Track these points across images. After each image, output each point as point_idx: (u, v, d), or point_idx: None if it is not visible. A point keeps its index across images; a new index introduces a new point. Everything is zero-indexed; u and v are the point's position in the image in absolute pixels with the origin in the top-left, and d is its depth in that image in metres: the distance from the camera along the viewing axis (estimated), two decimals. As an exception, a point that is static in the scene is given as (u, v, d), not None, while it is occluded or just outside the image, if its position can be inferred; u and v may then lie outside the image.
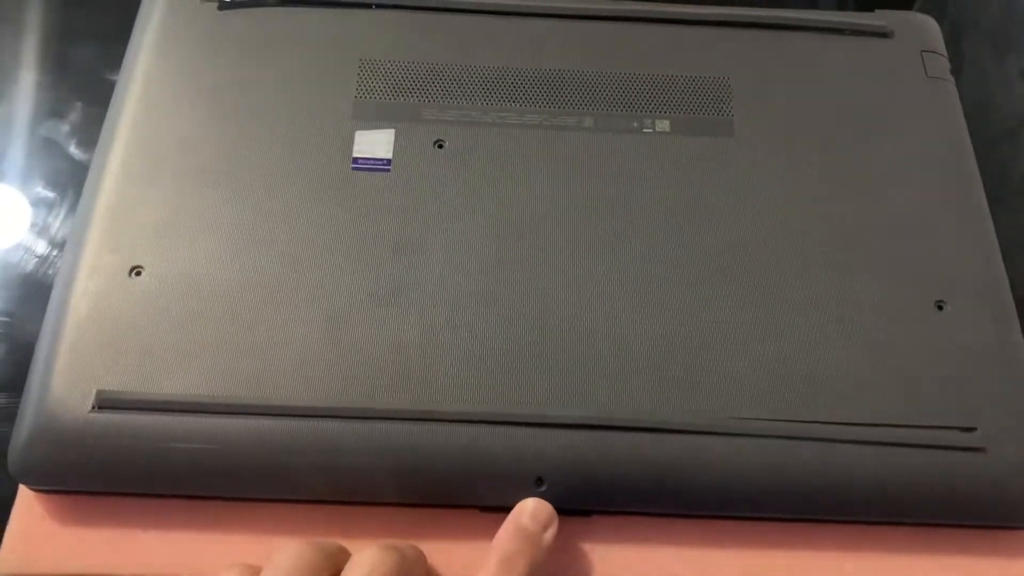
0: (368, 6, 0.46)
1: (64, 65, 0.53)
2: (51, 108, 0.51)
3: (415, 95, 0.43)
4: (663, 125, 0.43)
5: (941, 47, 0.47)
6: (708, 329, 0.38)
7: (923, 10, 0.50)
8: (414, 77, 0.44)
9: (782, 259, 0.40)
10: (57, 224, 0.48)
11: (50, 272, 0.47)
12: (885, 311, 0.39)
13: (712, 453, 0.36)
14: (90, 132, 0.49)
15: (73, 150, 0.50)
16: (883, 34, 0.47)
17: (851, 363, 0.38)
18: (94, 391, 0.35)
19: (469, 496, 0.36)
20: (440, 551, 0.36)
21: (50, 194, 0.49)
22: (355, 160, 0.41)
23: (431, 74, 0.44)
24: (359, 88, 0.43)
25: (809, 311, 0.39)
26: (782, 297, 0.39)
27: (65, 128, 0.51)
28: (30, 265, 0.47)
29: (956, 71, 0.47)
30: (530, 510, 0.34)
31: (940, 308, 0.39)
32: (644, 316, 0.38)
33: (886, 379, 0.37)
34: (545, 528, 0.34)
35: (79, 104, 0.51)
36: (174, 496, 0.36)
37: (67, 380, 0.36)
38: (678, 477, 0.36)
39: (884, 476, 0.36)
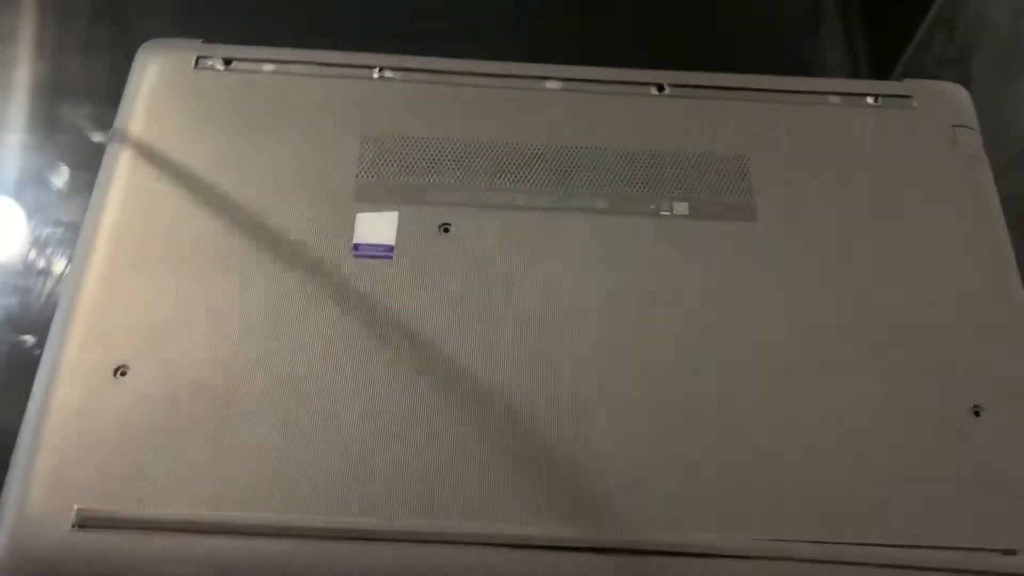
0: (372, 69, 0.43)
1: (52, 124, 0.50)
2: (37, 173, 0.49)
3: (420, 174, 0.41)
4: (681, 208, 0.41)
5: (973, 120, 0.45)
6: (726, 438, 0.36)
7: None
8: (419, 153, 0.41)
9: (806, 359, 0.38)
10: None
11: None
12: (916, 416, 0.37)
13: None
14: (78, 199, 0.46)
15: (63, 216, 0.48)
16: (912, 107, 0.44)
17: (878, 476, 0.35)
18: (75, 508, 0.33)
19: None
20: None
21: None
22: (356, 247, 0.39)
23: (437, 150, 0.41)
24: (361, 165, 0.41)
25: (834, 416, 0.36)
26: (805, 401, 0.37)
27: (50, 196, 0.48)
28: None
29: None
30: None
31: (977, 414, 0.37)
32: (658, 423, 0.36)
33: (917, 494, 0.35)
34: None
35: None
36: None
37: (46, 495, 0.33)
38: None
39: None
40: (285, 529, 0.33)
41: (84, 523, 0.33)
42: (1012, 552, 0.34)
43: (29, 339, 0.45)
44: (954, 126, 0.44)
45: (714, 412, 0.36)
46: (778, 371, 0.37)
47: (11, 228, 0.47)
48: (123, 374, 0.36)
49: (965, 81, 0.47)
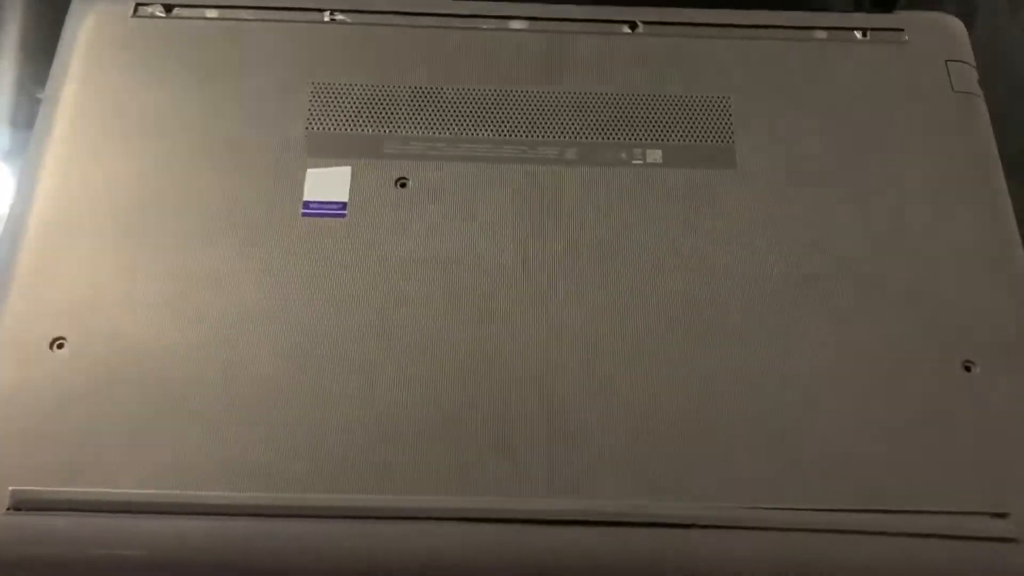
0: (322, 12, 0.40)
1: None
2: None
3: (375, 124, 0.38)
4: (655, 155, 0.38)
5: (969, 55, 0.42)
6: (704, 400, 0.33)
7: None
8: (374, 103, 0.39)
9: (789, 312, 0.35)
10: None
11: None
12: (904, 373, 0.34)
13: (716, 547, 0.32)
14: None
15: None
16: (903, 40, 0.41)
17: (866, 438, 0.33)
18: (9, 490, 0.31)
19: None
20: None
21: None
22: (306, 204, 0.36)
23: (393, 99, 0.39)
24: (311, 116, 0.38)
25: (818, 374, 0.34)
26: (788, 358, 0.34)
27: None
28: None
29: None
30: None
31: (968, 369, 0.35)
32: (631, 382, 0.34)
33: (906, 456, 0.33)
34: None
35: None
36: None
37: (-23, 478, 0.31)
38: (676, 572, 0.31)
39: (905, 569, 0.32)
40: (226, 508, 0.31)
41: (19, 505, 0.31)
42: (1003, 516, 0.32)
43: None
44: (948, 61, 0.41)
45: (694, 370, 0.34)
46: (760, 327, 0.35)
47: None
48: (60, 347, 0.34)
49: (970, 11, 0.44)
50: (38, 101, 0.40)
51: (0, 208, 0.38)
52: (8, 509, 0.31)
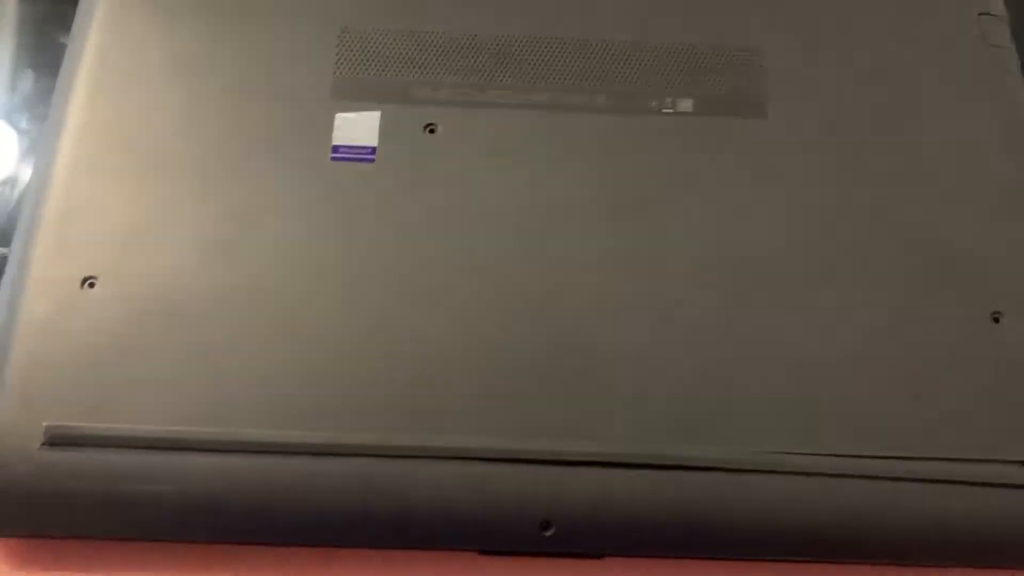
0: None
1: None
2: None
3: (404, 70, 0.38)
4: (685, 105, 0.38)
5: (1001, 8, 0.41)
6: (735, 348, 0.34)
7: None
8: (402, 49, 0.38)
9: (819, 263, 0.35)
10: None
11: None
12: (933, 323, 0.34)
13: (740, 491, 0.32)
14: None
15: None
16: (936, -8, 0.41)
17: (894, 386, 0.33)
18: (44, 425, 0.31)
19: (467, 538, 0.32)
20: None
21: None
22: (335, 148, 0.36)
23: (422, 45, 0.38)
24: (340, 61, 0.38)
25: (848, 324, 0.34)
26: (818, 308, 0.34)
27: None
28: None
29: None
30: None
31: (996, 320, 0.35)
32: (663, 331, 0.34)
33: (933, 405, 0.33)
34: None
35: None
36: (135, 540, 0.32)
37: (13, 413, 0.31)
38: (703, 517, 0.32)
39: (928, 516, 0.32)
40: (259, 445, 0.31)
41: (53, 440, 0.31)
42: (1031, 463, 0.32)
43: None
44: (980, 14, 0.41)
45: (720, 320, 0.34)
46: (788, 277, 0.35)
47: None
48: (91, 285, 0.34)
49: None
50: (62, 45, 0.39)
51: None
52: (42, 444, 0.31)
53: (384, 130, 0.37)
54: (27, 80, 0.46)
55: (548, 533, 0.31)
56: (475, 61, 0.38)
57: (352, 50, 0.38)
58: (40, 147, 0.36)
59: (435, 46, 0.38)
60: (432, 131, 0.37)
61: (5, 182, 0.43)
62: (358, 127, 0.37)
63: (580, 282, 0.34)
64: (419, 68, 0.38)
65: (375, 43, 0.38)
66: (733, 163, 0.37)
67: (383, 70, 0.38)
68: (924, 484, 0.32)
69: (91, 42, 0.38)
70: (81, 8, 0.39)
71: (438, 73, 0.38)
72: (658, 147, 0.37)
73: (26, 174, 0.42)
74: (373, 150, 0.36)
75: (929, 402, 0.33)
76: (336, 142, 0.36)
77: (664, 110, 0.38)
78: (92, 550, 0.32)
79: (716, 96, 0.38)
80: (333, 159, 0.36)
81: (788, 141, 0.37)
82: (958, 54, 0.40)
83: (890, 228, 0.36)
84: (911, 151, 0.37)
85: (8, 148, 0.44)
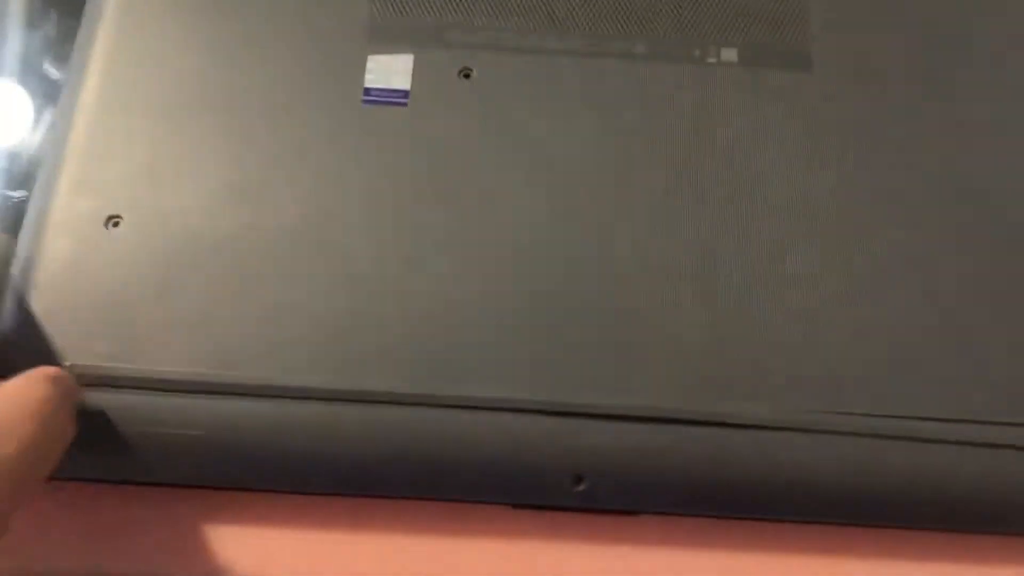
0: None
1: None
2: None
3: (439, 13, 0.37)
4: (729, 55, 0.37)
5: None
6: (778, 304, 0.32)
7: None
8: (438, -9, 0.37)
9: (865, 220, 0.34)
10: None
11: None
12: (984, 284, 0.33)
13: (780, 451, 0.31)
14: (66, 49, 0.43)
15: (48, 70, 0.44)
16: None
17: (942, 346, 0.32)
18: (66, 365, 0.30)
19: (498, 492, 0.31)
20: (466, 549, 0.32)
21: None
22: (367, 91, 0.35)
23: (457, -13, 0.37)
24: (374, 3, 0.37)
25: (894, 283, 0.33)
26: (863, 266, 0.33)
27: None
28: None
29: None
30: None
31: (1048, 282, 0.33)
32: (704, 285, 0.33)
33: (982, 367, 0.32)
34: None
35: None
36: (158, 484, 0.31)
37: (35, 353, 0.31)
38: (741, 476, 0.31)
39: (972, 480, 0.31)
40: (286, 390, 0.30)
41: (77, 381, 0.30)
42: (1083, 429, 0.31)
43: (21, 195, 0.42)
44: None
45: (761, 274, 0.33)
46: (830, 234, 0.34)
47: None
48: (116, 224, 0.33)
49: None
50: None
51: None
52: (66, 385, 0.30)
53: (418, 74, 0.35)
54: (50, 23, 0.45)
55: (580, 488, 0.30)
56: (513, 4, 0.37)
57: (385, -8, 0.37)
58: (65, 85, 0.35)
59: (471, -12, 0.37)
60: (467, 76, 0.36)
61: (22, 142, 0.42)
62: (391, 70, 0.35)
63: (617, 234, 0.33)
64: (455, 11, 0.37)
65: (409, -16, 0.37)
66: (777, 116, 0.36)
67: (418, 12, 0.37)
68: (968, 448, 0.31)
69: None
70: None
71: (474, 16, 0.37)
72: (699, 98, 0.36)
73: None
74: (406, 94, 0.35)
75: (978, 364, 0.32)
76: (368, 85, 0.35)
77: (708, 60, 0.36)
78: (117, 495, 0.32)
79: (761, 46, 0.37)
80: (365, 103, 0.35)
81: (834, 94, 0.36)
82: (1012, 3, 0.38)
83: (938, 186, 0.35)
84: (965, 106, 0.36)
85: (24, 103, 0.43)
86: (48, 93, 0.43)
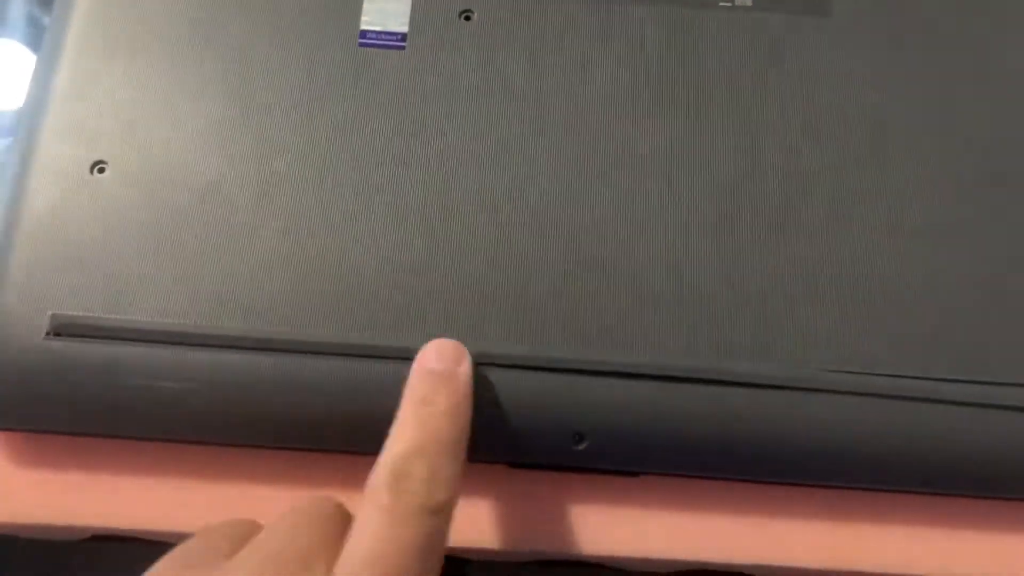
0: None
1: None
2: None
3: (438, -48, 0.35)
4: (744, -2, 0.35)
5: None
6: (790, 259, 0.31)
7: None
8: (437, -72, 0.35)
9: (885, 172, 0.32)
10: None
11: None
12: (996, 244, 0.32)
13: (787, 411, 0.30)
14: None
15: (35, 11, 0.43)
16: None
17: (962, 307, 0.31)
18: (49, 314, 0.29)
19: (496, 450, 0.30)
20: (463, 508, 0.30)
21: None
22: (363, 34, 0.34)
23: (458, -75, 0.35)
24: (370, -58, 0.35)
25: (912, 238, 0.31)
26: (880, 220, 0.32)
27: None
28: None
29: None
30: (434, 352, 0.28)
31: (1075, 240, 0.32)
32: (712, 238, 0.31)
33: (1000, 328, 0.30)
34: (457, 364, 0.28)
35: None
36: (141, 439, 0.30)
37: (17, 301, 0.30)
38: (746, 436, 0.30)
39: (983, 444, 0.30)
40: (271, 342, 0.29)
41: (59, 330, 0.29)
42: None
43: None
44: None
45: (769, 231, 0.31)
46: (843, 189, 0.32)
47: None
48: (101, 171, 0.32)
49: None
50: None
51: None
52: (47, 334, 0.29)
53: (416, 15, 0.34)
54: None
55: (580, 447, 0.29)
56: (517, -58, 0.35)
57: (383, -71, 0.35)
58: (48, 28, 0.34)
59: (473, -75, 0.35)
60: (468, 18, 0.34)
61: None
62: (388, 11, 0.34)
63: (623, 187, 0.32)
64: (455, -51, 0.35)
65: (408, -79, 0.35)
66: (794, 63, 0.34)
67: (416, -50, 0.35)
68: (981, 409, 0.29)
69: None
70: None
71: (476, -44, 0.35)
72: (713, 43, 0.34)
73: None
74: (403, 36, 0.34)
75: (998, 326, 0.30)
76: (364, 27, 0.34)
77: (721, 3, 0.35)
78: (96, 447, 0.31)
79: (778, -11, 0.35)
80: (361, 45, 0.33)
81: (853, 41, 0.34)
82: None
83: (959, 142, 0.33)
84: (994, 59, 0.34)
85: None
86: (34, 40, 0.42)
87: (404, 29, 0.34)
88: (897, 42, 0.34)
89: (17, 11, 0.43)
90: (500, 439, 0.30)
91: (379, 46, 0.33)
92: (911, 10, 0.35)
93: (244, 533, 0.25)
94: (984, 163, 0.33)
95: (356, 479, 0.30)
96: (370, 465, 0.30)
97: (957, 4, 0.35)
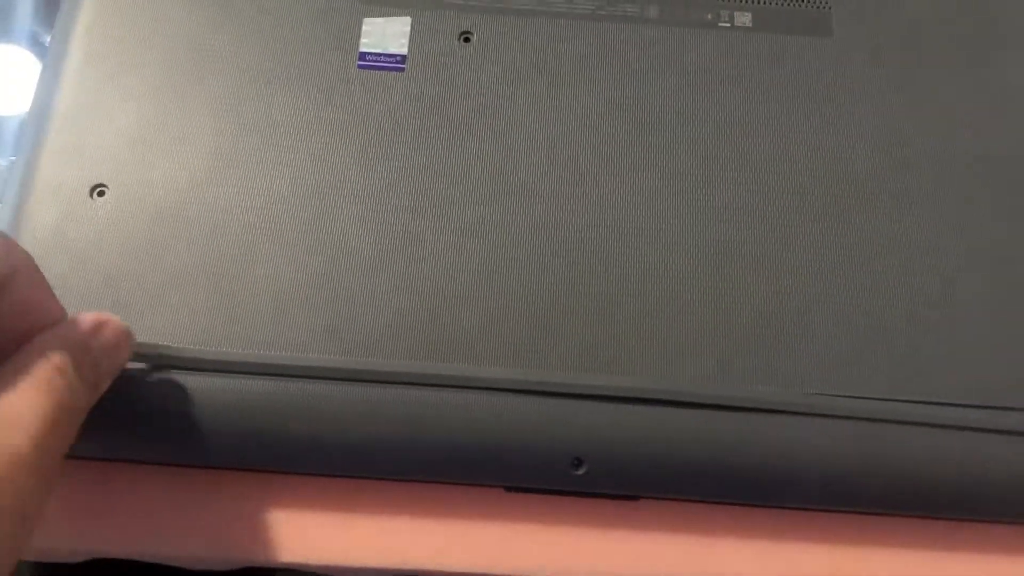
0: None
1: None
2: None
3: (438, -27, 0.35)
4: (744, 18, 0.35)
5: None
6: (786, 283, 0.31)
7: None
8: (437, -50, 0.35)
9: (882, 195, 0.32)
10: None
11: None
12: (1001, 268, 0.31)
13: (785, 435, 0.29)
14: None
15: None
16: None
17: (955, 331, 0.31)
18: (49, 339, 0.29)
19: (495, 474, 0.30)
20: (460, 532, 0.31)
21: None
22: (362, 56, 0.34)
23: (458, -54, 0.35)
24: (369, -37, 0.35)
25: (908, 263, 0.31)
26: (877, 244, 0.32)
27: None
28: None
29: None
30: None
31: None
32: (710, 261, 0.31)
33: (995, 352, 0.30)
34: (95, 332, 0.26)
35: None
36: (142, 462, 0.31)
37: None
38: (745, 461, 0.29)
39: (980, 468, 0.30)
40: (275, 368, 0.29)
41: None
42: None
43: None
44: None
45: (767, 252, 0.31)
46: (844, 209, 0.32)
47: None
48: (101, 194, 0.32)
49: None
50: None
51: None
52: (47, 358, 0.29)
53: (415, 37, 0.34)
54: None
55: (580, 472, 0.29)
56: (516, -36, 0.35)
57: (383, -50, 0.35)
58: (49, 49, 0.34)
59: (473, -53, 0.35)
60: (467, 40, 0.34)
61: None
62: (387, 34, 0.34)
63: (621, 208, 0.32)
64: (455, -29, 0.35)
65: (408, -58, 0.35)
66: (794, 83, 0.34)
67: (416, -28, 0.35)
68: (979, 434, 0.29)
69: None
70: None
71: (475, -23, 0.35)
72: (712, 64, 0.34)
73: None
74: (403, 59, 0.34)
75: (991, 349, 0.30)
76: (364, 49, 0.34)
77: (721, 24, 0.35)
78: (97, 471, 0.31)
79: (777, 10, 0.35)
80: (360, 67, 0.33)
81: (853, 62, 0.34)
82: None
83: (961, 162, 0.33)
84: (992, 77, 0.34)
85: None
86: (37, 56, 0.42)
87: (404, 51, 0.34)
88: (898, 63, 0.34)
89: (22, 15, 0.43)
90: (499, 463, 0.29)
91: (379, 68, 0.33)
92: (912, 31, 0.35)
93: None
94: (985, 184, 0.33)
95: (358, 504, 0.30)
96: (374, 490, 0.30)
97: (957, 24, 0.35)
